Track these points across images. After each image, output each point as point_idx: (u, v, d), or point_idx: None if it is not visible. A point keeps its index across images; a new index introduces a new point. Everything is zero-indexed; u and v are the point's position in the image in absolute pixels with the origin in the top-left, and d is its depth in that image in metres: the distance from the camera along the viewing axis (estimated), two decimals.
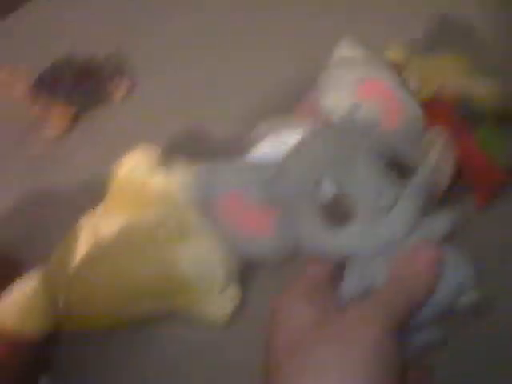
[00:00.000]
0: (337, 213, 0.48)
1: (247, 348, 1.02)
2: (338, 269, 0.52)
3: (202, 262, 1.05)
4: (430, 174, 0.53)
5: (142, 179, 1.10)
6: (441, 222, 0.51)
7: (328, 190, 0.48)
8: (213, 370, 1.02)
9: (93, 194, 1.18)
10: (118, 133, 1.42)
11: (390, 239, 0.49)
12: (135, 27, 1.67)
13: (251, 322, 1.07)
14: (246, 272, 1.10)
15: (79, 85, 1.43)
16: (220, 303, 1.06)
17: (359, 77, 0.54)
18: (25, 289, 1.07)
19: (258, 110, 1.34)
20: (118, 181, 1.14)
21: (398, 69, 1.20)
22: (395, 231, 0.49)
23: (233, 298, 1.07)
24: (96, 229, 1.09)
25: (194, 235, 1.06)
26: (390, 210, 0.48)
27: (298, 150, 0.51)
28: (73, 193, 1.30)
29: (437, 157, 1.09)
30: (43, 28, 1.71)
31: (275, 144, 0.53)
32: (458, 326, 0.54)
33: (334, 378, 0.43)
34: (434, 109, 1.12)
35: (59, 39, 1.66)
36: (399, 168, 0.50)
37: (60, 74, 1.43)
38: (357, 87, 0.54)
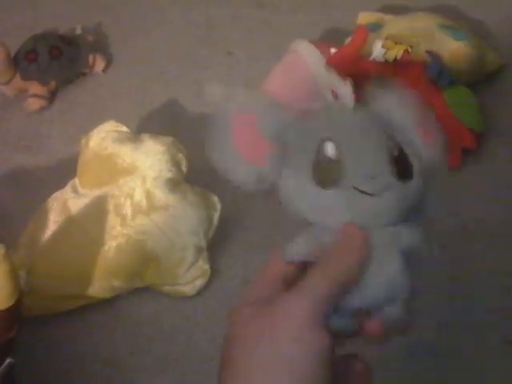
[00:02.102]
0: (326, 175, 0.49)
1: (216, 320, 1.03)
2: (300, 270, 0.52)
3: (170, 236, 1.04)
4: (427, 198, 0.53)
5: (108, 151, 1.10)
6: (414, 236, 0.51)
7: (328, 151, 0.49)
8: (182, 348, 1.02)
9: (68, 169, 1.18)
10: (95, 106, 1.41)
11: (358, 220, 0.49)
12: (117, 2, 1.66)
13: (220, 295, 1.07)
14: (216, 245, 1.09)
15: (56, 59, 1.42)
16: (190, 277, 1.05)
17: None
18: None
19: (229, 86, 1.34)
20: (85, 154, 1.13)
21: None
22: (370, 215, 0.49)
23: (203, 272, 1.06)
24: (65, 206, 1.09)
25: (161, 208, 1.05)
26: (374, 194, 0.49)
27: (321, 111, 0.53)
28: (48, 168, 1.30)
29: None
30: (21, 4, 1.69)
31: None
32: None
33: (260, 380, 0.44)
34: (404, 70, 1.11)
35: (38, 15, 1.65)
36: (404, 168, 0.50)
37: (36, 49, 1.42)
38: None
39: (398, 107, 0.54)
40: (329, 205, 0.49)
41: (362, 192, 0.48)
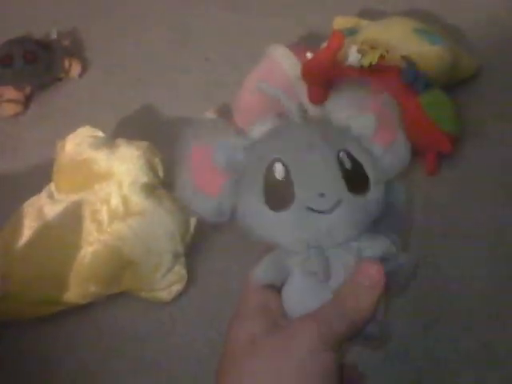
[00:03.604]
0: (277, 197, 0.49)
1: (193, 325, 1.03)
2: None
3: (147, 241, 1.04)
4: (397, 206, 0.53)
5: (84, 157, 1.09)
6: (376, 248, 0.50)
7: (277, 173, 0.49)
8: (157, 352, 1.02)
9: (43, 174, 1.17)
10: (70, 111, 1.41)
11: (313, 240, 0.49)
12: (92, 6, 1.65)
13: (197, 300, 1.07)
14: (193, 250, 1.09)
15: (31, 63, 1.41)
16: (167, 283, 1.05)
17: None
18: None
19: (206, 91, 1.34)
20: (61, 159, 1.12)
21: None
22: (325, 233, 0.48)
23: (180, 277, 1.06)
24: (40, 212, 1.08)
25: (138, 214, 1.04)
26: (326, 211, 0.48)
27: (271, 131, 0.52)
28: (24, 174, 1.29)
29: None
30: None
31: None
32: None
33: None
34: (380, 75, 1.12)
35: (12, 19, 1.64)
36: (358, 182, 0.49)
37: (11, 54, 1.41)
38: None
39: (356, 114, 0.52)
40: (283, 226, 0.49)
41: (314, 210, 0.48)
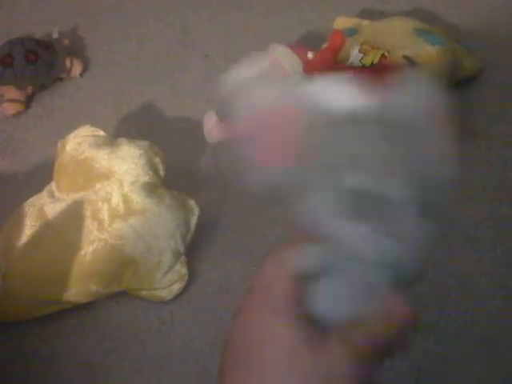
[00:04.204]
0: (361, 207, 0.45)
1: (193, 324, 1.03)
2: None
3: (147, 240, 1.04)
4: None
5: (85, 156, 1.09)
6: None
7: (363, 181, 0.44)
8: (158, 351, 1.02)
9: (44, 174, 1.17)
10: (71, 111, 1.41)
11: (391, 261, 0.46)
12: (92, 6, 1.65)
13: (197, 299, 1.07)
14: (194, 250, 1.09)
15: (32, 63, 1.41)
16: (167, 281, 1.05)
17: None
18: None
19: (207, 89, 1.34)
20: (62, 158, 1.12)
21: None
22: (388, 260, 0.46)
23: (180, 276, 1.06)
24: (41, 211, 1.08)
25: (139, 213, 1.04)
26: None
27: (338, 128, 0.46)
28: (24, 173, 1.29)
29: None
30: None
31: None
32: None
33: None
34: (381, 75, 1.11)
35: (14, 19, 1.64)
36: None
37: (12, 54, 1.41)
38: None
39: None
40: (355, 242, 0.45)
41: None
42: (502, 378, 0.92)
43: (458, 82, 1.21)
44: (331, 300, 0.46)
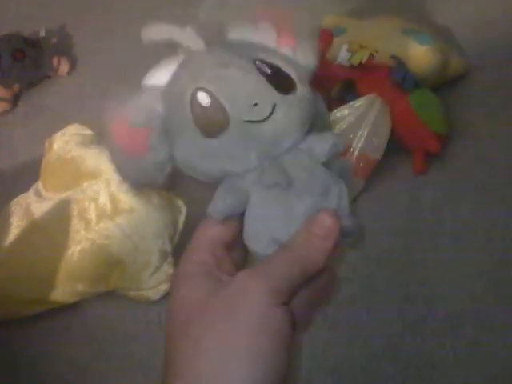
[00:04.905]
0: (212, 123, 0.47)
1: None
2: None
3: (135, 240, 1.03)
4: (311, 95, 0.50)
5: (72, 155, 1.08)
6: (323, 143, 0.49)
7: (202, 100, 0.47)
8: (145, 351, 1.01)
9: (31, 173, 1.17)
10: (59, 109, 1.40)
11: (262, 152, 0.47)
12: (79, 4, 1.65)
13: None
14: (181, 250, 1.09)
15: (19, 62, 1.40)
16: (155, 281, 1.05)
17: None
18: None
19: None
20: (49, 157, 1.12)
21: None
22: (272, 141, 0.47)
23: (168, 276, 1.05)
24: (28, 210, 1.07)
25: (126, 212, 1.04)
26: (265, 119, 0.46)
27: (177, 68, 0.50)
28: (11, 172, 1.28)
29: (373, 121, 1.08)
30: None
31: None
32: None
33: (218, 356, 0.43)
34: (369, 74, 1.12)
35: (1, 17, 1.63)
36: (284, 82, 0.48)
37: None
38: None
39: (253, 32, 0.51)
40: (228, 149, 0.47)
41: (253, 122, 0.46)
42: (490, 378, 0.92)
43: (446, 82, 1.21)
44: (263, 212, 0.48)
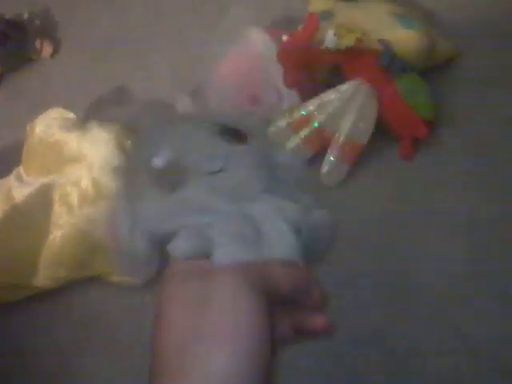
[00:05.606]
0: (172, 180, 0.48)
1: None
2: None
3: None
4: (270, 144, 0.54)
5: (55, 139, 1.07)
6: (290, 206, 0.49)
7: (161, 160, 0.48)
8: (131, 336, 1.01)
9: (13, 157, 1.15)
10: (42, 93, 1.39)
11: (227, 200, 0.48)
12: None
13: None
14: None
15: (1, 45, 1.39)
16: None
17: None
18: None
19: (181, 71, 1.32)
20: (31, 141, 1.10)
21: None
22: (231, 191, 0.48)
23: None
24: (9, 195, 1.06)
25: (108, 196, 1.03)
26: (220, 170, 0.48)
27: (139, 136, 0.53)
28: None
29: (360, 106, 1.08)
30: None
31: None
32: None
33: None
34: (356, 59, 1.11)
35: None
36: (234, 135, 0.50)
37: None
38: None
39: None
40: (191, 202, 0.48)
41: (212, 173, 0.48)
42: (476, 366, 0.92)
43: (434, 67, 1.21)
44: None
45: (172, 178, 0.48)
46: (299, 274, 0.48)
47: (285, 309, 0.48)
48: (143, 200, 0.49)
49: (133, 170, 0.51)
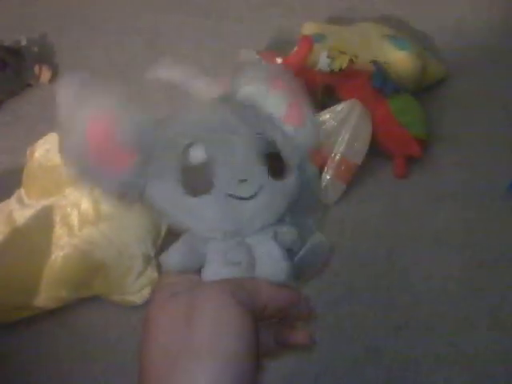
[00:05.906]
0: (196, 182, 0.46)
1: None
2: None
3: (118, 245, 1.03)
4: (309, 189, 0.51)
5: (54, 163, 1.08)
6: (288, 235, 0.48)
7: (197, 155, 0.46)
8: (129, 357, 1.01)
9: (13, 181, 1.16)
10: (40, 118, 1.38)
11: (234, 228, 0.46)
12: (59, 13, 1.65)
13: None
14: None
15: (0, 71, 1.40)
16: (138, 286, 1.05)
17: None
18: None
19: (175, 95, 1.33)
20: (31, 165, 1.12)
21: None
22: (247, 219, 0.46)
23: (151, 280, 1.05)
24: (10, 217, 1.07)
25: (109, 218, 1.04)
26: (249, 198, 0.46)
27: (185, 111, 0.49)
28: None
29: (354, 126, 1.09)
30: None
31: None
32: None
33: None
34: (349, 80, 1.13)
35: None
36: (277, 166, 0.47)
37: None
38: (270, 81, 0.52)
39: (264, 91, 0.50)
40: (201, 213, 0.46)
41: (235, 197, 0.45)
42: (471, 378, 0.93)
43: (425, 87, 1.23)
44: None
45: (200, 179, 0.46)
46: (287, 294, 0.47)
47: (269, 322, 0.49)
48: (161, 175, 0.47)
49: (171, 137, 0.47)
